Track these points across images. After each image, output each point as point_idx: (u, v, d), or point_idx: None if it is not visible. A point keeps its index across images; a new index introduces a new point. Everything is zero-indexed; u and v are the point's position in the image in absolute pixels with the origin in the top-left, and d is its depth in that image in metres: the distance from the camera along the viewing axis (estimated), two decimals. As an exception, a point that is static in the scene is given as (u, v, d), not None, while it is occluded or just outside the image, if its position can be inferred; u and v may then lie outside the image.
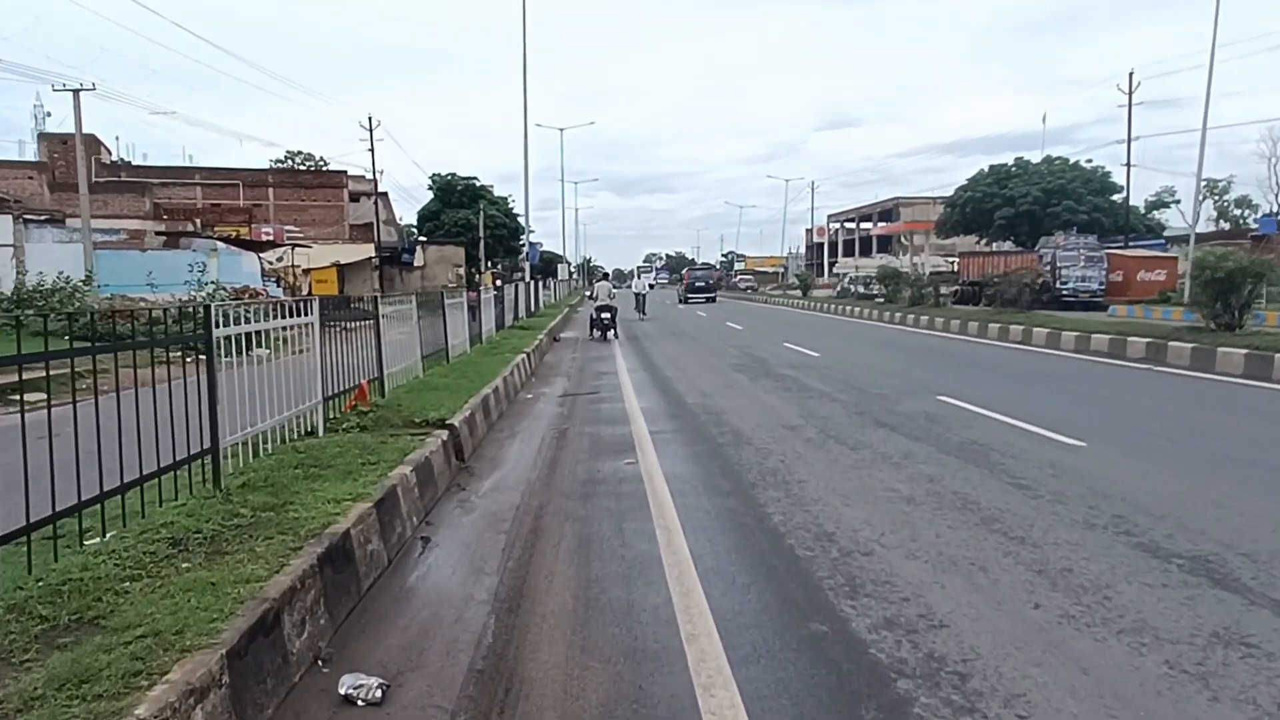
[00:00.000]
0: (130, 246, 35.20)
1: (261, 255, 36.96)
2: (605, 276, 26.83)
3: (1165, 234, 53.83)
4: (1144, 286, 33.28)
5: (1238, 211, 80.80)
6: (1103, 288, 31.71)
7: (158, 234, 36.65)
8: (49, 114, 51.23)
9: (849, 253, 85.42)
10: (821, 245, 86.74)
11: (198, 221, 39.10)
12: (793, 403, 10.85)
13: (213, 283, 25.45)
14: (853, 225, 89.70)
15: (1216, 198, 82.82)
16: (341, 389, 8.00)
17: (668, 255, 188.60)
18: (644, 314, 31.88)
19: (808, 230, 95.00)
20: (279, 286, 36.36)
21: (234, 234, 39.33)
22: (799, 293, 52.42)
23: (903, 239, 75.75)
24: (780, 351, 18.03)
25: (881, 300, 33.61)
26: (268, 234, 41.79)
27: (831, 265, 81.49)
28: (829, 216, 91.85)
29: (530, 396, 12.36)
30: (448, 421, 7.81)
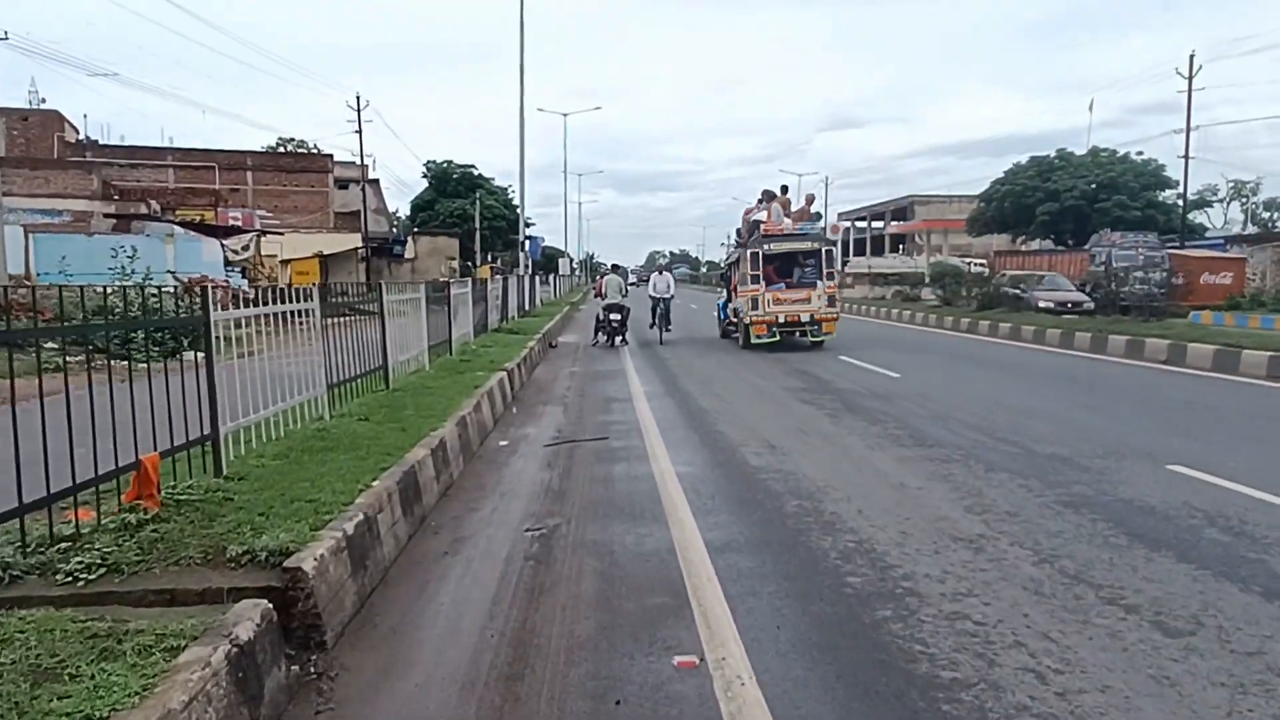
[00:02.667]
0: (75, 230, 30.89)
1: (225, 243, 32.66)
2: (615, 270, 21.65)
3: (1206, 235, 50.01)
4: (1209, 290, 30.11)
5: (1266, 214, 76.36)
6: (1163, 291, 27.85)
7: (106, 216, 32.32)
8: (44, 100, 47.42)
9: (860, 252, 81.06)
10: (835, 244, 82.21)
11: (154, 203, 34.75)
12: (926, 471, 6.63)
13: (168, 272, 21.38)
14: (864, 224, 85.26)
15: (1244, 199, 78.47)
16: (83, 481, 3.79)
17: (671, 253, 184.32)
18: (667, 330, 19.84)
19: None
20: (244, 278, 32.08)
21: (198, 218, 35.02)
22: None
23: (918, 237, 71.80)
24: (841, 369, 13.79)
25: (937, 304, 29.20)
26: (235, 219, 37.47)
27: (844, 264, 77.16)
28: (839, 215, 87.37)
29: (505, 444, 8.16)
30: (288, 563, 3.60)
